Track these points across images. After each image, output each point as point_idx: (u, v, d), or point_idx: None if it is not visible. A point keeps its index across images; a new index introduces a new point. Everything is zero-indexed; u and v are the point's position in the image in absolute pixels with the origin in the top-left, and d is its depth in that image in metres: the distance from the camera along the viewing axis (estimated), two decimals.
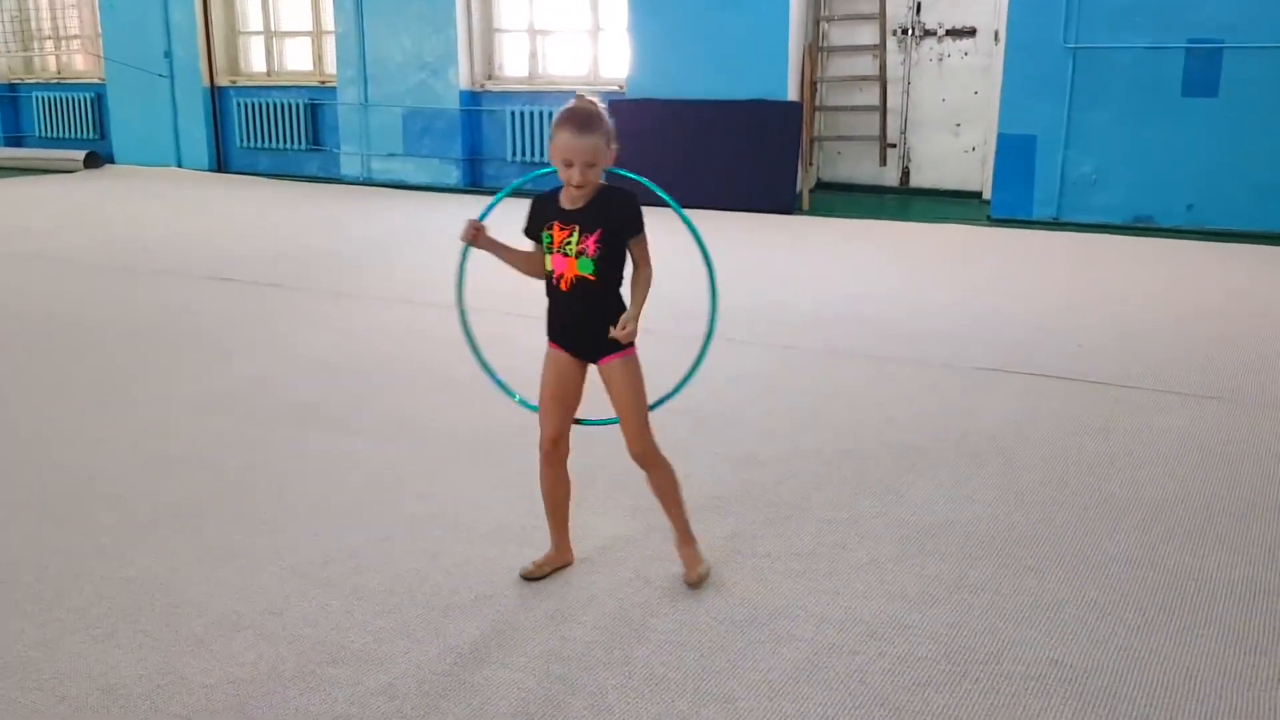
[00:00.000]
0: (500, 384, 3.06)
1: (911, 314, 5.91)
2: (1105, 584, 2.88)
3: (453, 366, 4.89)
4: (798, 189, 9.85)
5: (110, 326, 5.76)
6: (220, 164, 12.97)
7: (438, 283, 6.71)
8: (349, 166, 12.06)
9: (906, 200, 10.25)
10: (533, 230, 2.82)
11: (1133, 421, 4.18)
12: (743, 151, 9.85)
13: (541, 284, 2.86)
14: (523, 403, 3.08)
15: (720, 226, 9.04)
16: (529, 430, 3.89)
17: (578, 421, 2.96)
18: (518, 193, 3.18)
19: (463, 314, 3.03)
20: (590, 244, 2.74)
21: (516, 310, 5.32)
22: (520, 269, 2.88)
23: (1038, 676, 2.44)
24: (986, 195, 9.86)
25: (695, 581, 2.86)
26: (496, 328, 4.75)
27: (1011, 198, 9.22)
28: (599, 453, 3.89)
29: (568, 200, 2.75)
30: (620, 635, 2.62)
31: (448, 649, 2.57)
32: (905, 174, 10.44)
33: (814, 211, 9.72)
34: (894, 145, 10.37)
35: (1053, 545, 3.12)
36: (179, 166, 13.04)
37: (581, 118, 2.65)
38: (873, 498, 3.46)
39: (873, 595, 2.81)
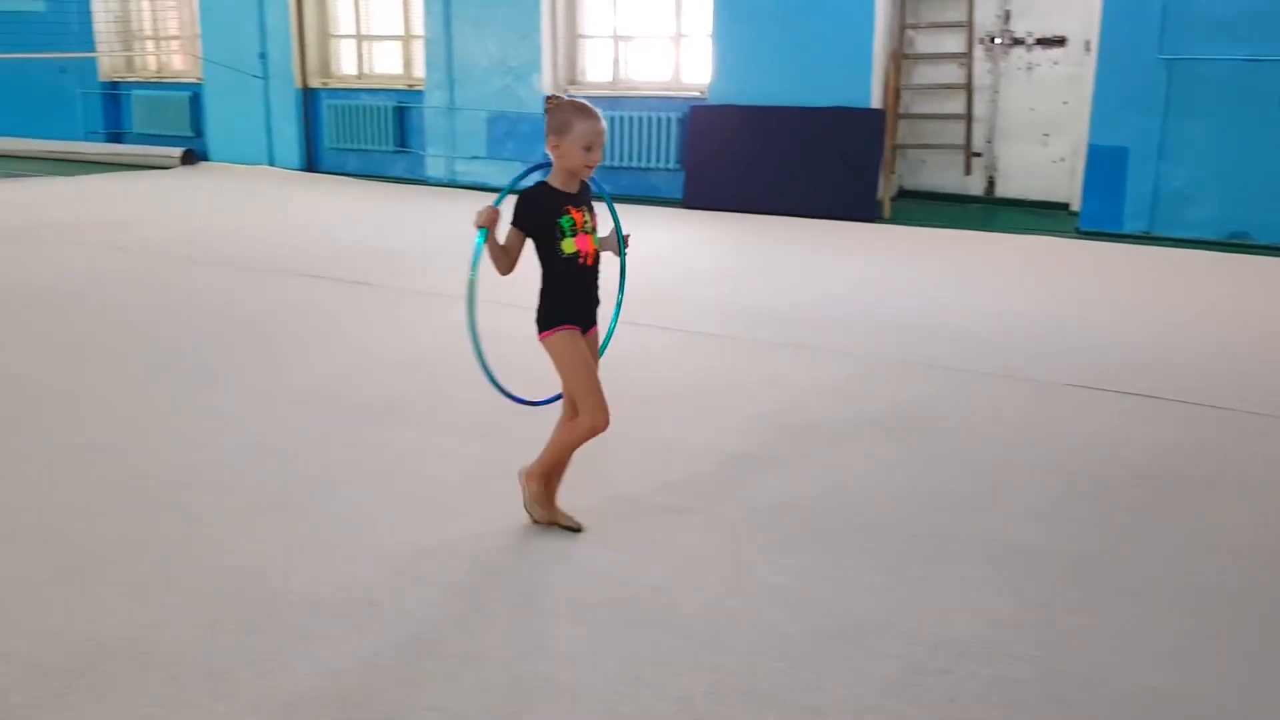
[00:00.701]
0: (491, 378, 3.09)
1: (999, 327, 5.85)
2: (1202, 611, 2.83)
3: (536, 368, 4.95)
4: (879, 197, 9.78)
5: (208, 319, 5.93)
6: (310, 163, 13.27)
7: (516, 283, 6.82)
8: (434, 168, 12.25)
9: (991, 210, 10.12)
10: (545, 221, 3.01)
11: (1229, 445, 4.10)
12: (824, 159, 9.81)
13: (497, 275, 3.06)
14: (508, 396, 3.19)
15: (800, 234, 9.06)
16: (618, 431, 3.95)
17: (532, 403, 3.29)
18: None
19: (472, 299, 3.05)
20: (594, 220, 3.11)
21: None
22: (501, 264, 3.03)
23: (1134, 703, 2.41)
24: (1074, 207, 9.69)
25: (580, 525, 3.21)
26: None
27: (1101, 210, 9.06)
28: (692, 469, 3.94)
29: (568, 185, 3.05)
30: (707, 643, 2.64)
31: (538, 647, 2.61)
32: (990, 183, 10.31)
33: (895, 220, 9.65)
34: (979, 154, 10.24)
35: (1147, 570, 3.07)
36: (271, 165, 13.35)
37: (593, 109, 3.01)
38: (960, 513, 3.44)
39: (962, 614, 2.80)
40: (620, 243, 3.20)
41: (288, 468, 3.75)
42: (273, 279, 7.00)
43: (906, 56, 10.18)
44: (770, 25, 10.03)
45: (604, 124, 3.01)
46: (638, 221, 9.74)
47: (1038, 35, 9.88)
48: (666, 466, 3.80)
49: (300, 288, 6.75)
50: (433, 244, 8.43)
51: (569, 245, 3.02)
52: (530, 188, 3.08)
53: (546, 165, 3.12)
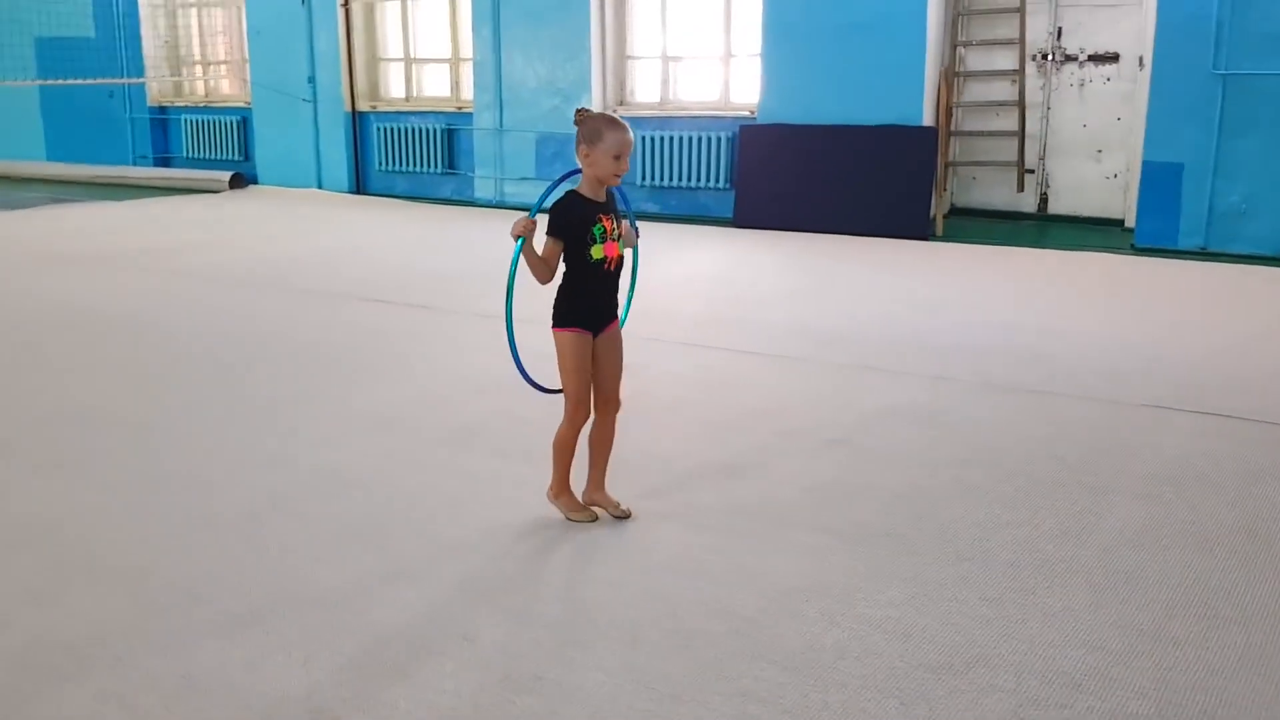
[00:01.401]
0: (527, 376, 3.41)
1: (1065, 345, 5.77)
2: None
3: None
4: (931, 214, 9.72)
5: (271, 344, 5.96)
6: (359, 186, 13.36)
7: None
8: (482, 190, 12.31)
9: (1044, 227, 10.03)
10: (581, 229, 3.21)
11: None
12: (876, 177, 9.76)
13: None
14: (536, 386, 3.49)
15: (854, 252, 9.01)
16: (703, 458, 3.93)
17: (551, 390, 3.51)
18: None
19: (509, 303, 3.28)
20: (621, 228, 3.34)
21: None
22: (540, 272, 3.25)
23: None
24: (1129, 223, 9.58)
25: (628, 510, 3.50)
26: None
27: (1157, 226, 8.95)
28: (778, 495, 3.91)
29: (597, 194, 3.26)
30: (814, 676, 2.60)
31: (639, 684, 2.58)
32: (1043, 200, 10.21)
33: (948, 237, 9.58)
34: (1031, 171, 10.15)
35: (1253, 596, 3.00)
36: (319, 188, 13.46)
37: (622, 120, 3.23)
38: (1055, 540, 3.38)
39: (1072, 645, 2.74)
40: (634, 231, 3.49)
41: (368, 496, 3.75)
42: (333, 303, 7.04)
43: (958, 74, 10.12)
44: (820, 44, 10.01)
45: (631, 135, 3.24)
46: (689, 240, 9.86)
47: (1090, 52, 9.79)
48: (753, 493, 3.77)
49: (362, 312, 6.78)
50: (488, 266, 8.42)
51: (598, 251, 3.24)
52: (563, 198, 3.28)
53: (574, 174, 3.36)
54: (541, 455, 4.06)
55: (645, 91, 11.59)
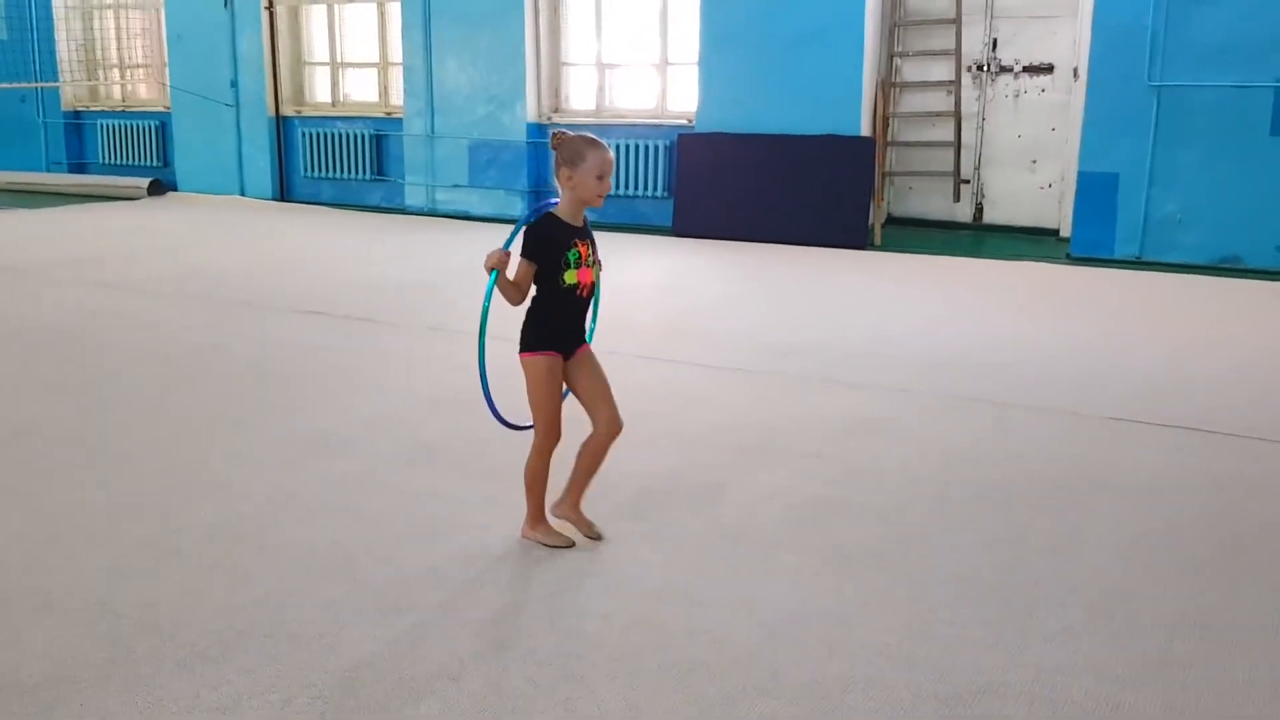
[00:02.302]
0: (497, 414, 3.31)
1: (1016, 356, 5.79)
2: None
3: (570, 406, 4.80)
4: (869, 224, 9.75)
5: (207, 360, 5.70)
6: (283, 193, 13.01)
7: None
8: (413, 197, 12.06)
9: (980, 236, 10.13)
10: (555, 253, 3.15)
11: None
12: (814, 186, 9.77)
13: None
14: (504, 423, 3.36)
15: (795, 262, 8.99)
16: (682, 477, 3.81)
17: (522, 427, 3.41)
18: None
19: (483, 337, 3.27)
20: (595, 254, 3.26)
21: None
22: (512, 296, 3.18)
23: None
24: (1063, 233, 9.73)
25: (601, 533, 3.40)
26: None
27: (1093, 236, 9.09)
28: (760, 515, 3.81)
29: (575, 218, 3.21)
30: (823, 711, 2.50)
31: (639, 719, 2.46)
32: (979, 210, 10.33)
33: (886, 247, 9.62)
34: (967, 181, 10.26)
35: (1249, 618, 2.97)
36: (242, 195, 13.07)
37: (600, 140, 3.18)
38: (1044, 559, 3.33)
39: (1077, 672, 2.68)
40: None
41: (331, 522, 3.56)
42: (268, 316, 6.78)
43: (895, 84, 10.18)
44: (758, 53, 9.99)
45: (612, 153, 3.18)
46: (630, 249, 9.75)
47: (1025, 63, 9.93)
48: (732, 513, 3.67)
49: (300, 325, 6.54)
50: (426, 276, 8.24)
51: (571, 276, 3.18)
52: (540, 220, 3.21)
53: (545, 206, 3.25)
54: (506, 473, 3.92)
55: (580, 99, 11.47)
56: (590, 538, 3.38)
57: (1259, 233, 8.59)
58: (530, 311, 3.25)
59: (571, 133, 3.21)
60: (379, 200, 12.49)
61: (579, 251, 3.18)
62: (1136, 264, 8.89)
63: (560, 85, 11.46)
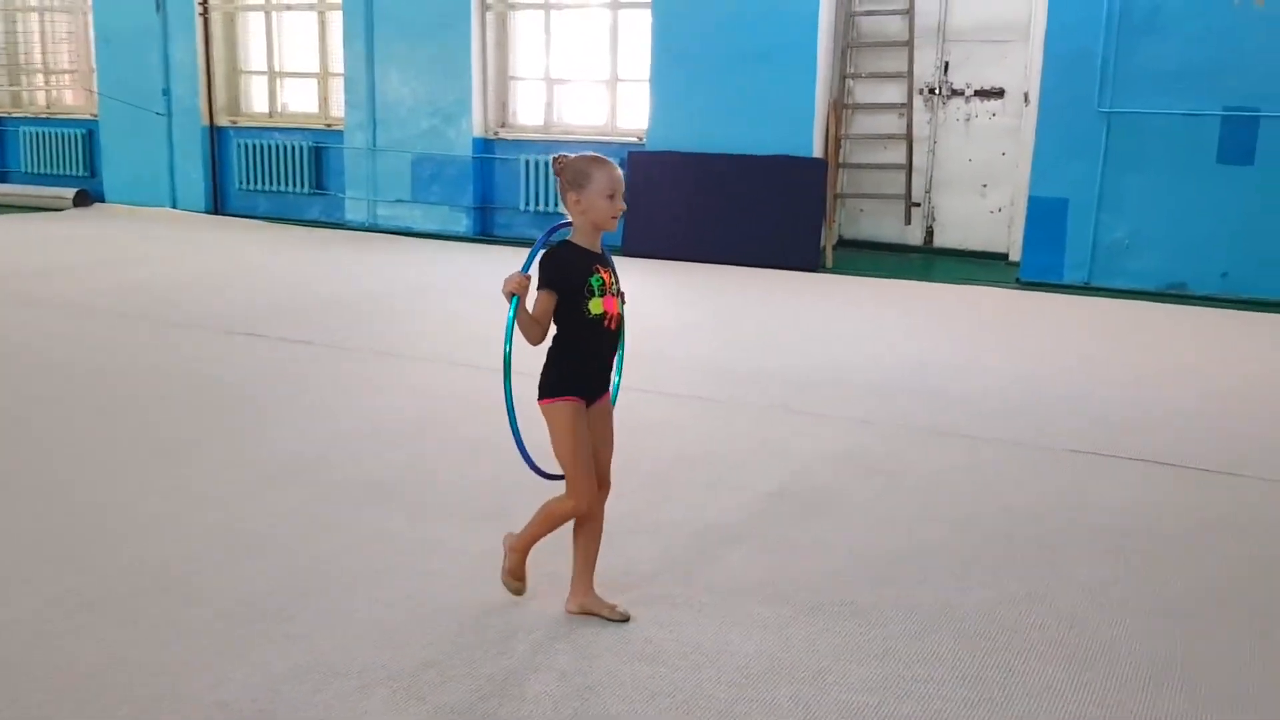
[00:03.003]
0: (525, 453, 2.93)
1: (975, 384, 5.68)
2: None
3: (526, 435, 4.58)
4: (821, 245, 9.65)
5: (141, 384, 5.40)
6: (217, 205, 12.61)
7: (478, 341, 6.42)
8: (354, 212, 11.74)
9: (931, 260, 10.09)
10: (577, 280, 2.86)
11: (1262, 517, 3.95)
12: (766, 207, 9.65)
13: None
14: (539, 472, 3.01)
15: (746, 283, 8.85)
16: (630, 513, 3.60)
17: (554, 475, 3.01)
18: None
19: (508, 373, 2.91)
20: (619, 282, 2.98)
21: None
22: (532, 332, 2.86)
23: None
24: (1013, 257, 9.72)
25: (627, 613, 3.01)
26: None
27: (1042, 261, 9.07)
28: (720, 554, 3.64)
29: (593, 244, 2.92)
30: None
31: None
32: (929, 233, 10.29)
33: (838, 269, 9.53)
34: (918, 204, 10.22)
35: (1235, 671, 2.85)
36: (174, 207, 12.64)
37: (606, 157, 2.93)
38: (1019, 606, 3.18)
39: None
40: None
41: (274, 566, 3.30)
42: (204, 337, 6.46)
43: (847, 106, 10.12)
44: (710, 72, 9.87)
45: (620, 170, 2.93)
46: None
47: (976, 87, 9.92)
48: (696, 556, 3.47)
49: (238, 347, 6.24)
50: (369, 294, 7.97)
51: (596, 306, 2.88)
52: (555, 247, 2.93)
53: (562, 227, 2.97)
54: (472, 515, 3.71)
55: (528, 114, 11.26)
56: (616, 619, 2.99)
57: (1205, 260, 8.63)
58: (551, 351, 2.93)
59: (572, 154, 2.94)
60: (318, 214, 12.15)
61: (602, 278, 2.88)
62: (1085, 289, 8.88)
63: (508, 99, 11.24)
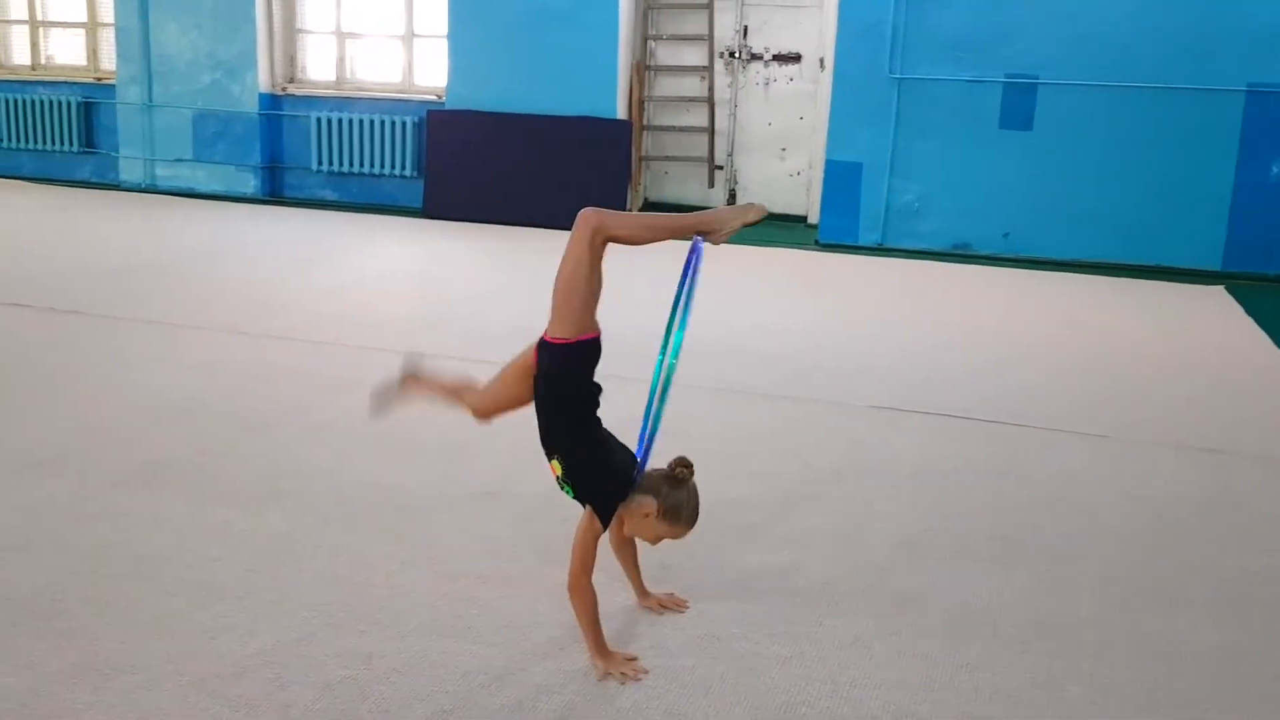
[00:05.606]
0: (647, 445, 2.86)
1: (786, 347, 5.77)
2: (1101, 658, 2.74)
3: (317, 411, 4.35)
4: (627, 208, 9.63)
5: None
6: None
7: (271, 308, 6.09)
8: (129, 172, 10.96)
9: None
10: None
11: (1045, 463, 4.15)
12: (571, 168, 9.55)
13: None
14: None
15: (555, 246, 8.68)
16: (437, 488, 3.47)
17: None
18: None
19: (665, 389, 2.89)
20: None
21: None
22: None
23: None
24: (812, 219, 9.96)
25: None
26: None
27: (839, 223, 9.34)
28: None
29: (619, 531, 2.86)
30: None
31: None
32: (732, 196, 10.42)
33: None
34: (721, 167, 10.33)
35: (1033, 613, 2.97)
36: None
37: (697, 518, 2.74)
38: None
39: (876, 686, 2.56)
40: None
41: (40, 561, 2.99)
42: None
43: (649, 68, 10.09)
44: (510, 30, 9.65)
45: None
46: (377, 232, 9.20)
47: (774, 51, 10.07)
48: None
49: (4, 318, 5.68)
50: (146, 260, 7.43)
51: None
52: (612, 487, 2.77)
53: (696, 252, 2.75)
54: (257, 495, 3.46)
55: (319, 69, 10.76)
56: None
57: (988, 221, 9.08)
58: (587, 468, 2.82)
59: (694, 483, 2.73)
60: (89, 175, 11.29)
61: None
62: (878, 250, 9.20)
63: (296, 54, 10.69)
